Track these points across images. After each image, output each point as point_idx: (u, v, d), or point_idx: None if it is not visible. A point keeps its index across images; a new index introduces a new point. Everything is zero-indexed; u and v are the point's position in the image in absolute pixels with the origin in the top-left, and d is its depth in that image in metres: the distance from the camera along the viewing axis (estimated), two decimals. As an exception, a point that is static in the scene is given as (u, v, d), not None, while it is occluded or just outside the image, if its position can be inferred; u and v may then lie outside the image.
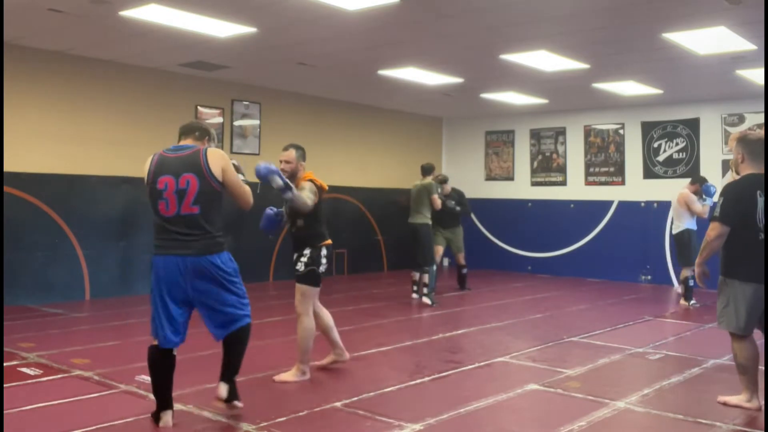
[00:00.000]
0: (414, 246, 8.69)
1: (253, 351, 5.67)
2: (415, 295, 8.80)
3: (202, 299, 3.82)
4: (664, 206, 11.05)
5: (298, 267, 4.83)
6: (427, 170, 8.97)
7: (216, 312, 3.86)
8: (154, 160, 3.87)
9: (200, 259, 3.74)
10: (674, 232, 8.82)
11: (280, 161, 4.89)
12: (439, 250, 9.49)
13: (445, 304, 8.64)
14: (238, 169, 4.02)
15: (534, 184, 12.64)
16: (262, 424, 3.88)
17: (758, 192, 4.16)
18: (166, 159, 3.84)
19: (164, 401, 3.84)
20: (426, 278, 8.51)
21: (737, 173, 4.39)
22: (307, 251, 4.85)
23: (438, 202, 8.70)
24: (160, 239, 3.79)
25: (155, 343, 3.81)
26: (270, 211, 4.83)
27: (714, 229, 4.23)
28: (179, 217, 3.74)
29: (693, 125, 10.94)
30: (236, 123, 10.06)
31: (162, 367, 3.82)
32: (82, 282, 8.41)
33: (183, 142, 4.04)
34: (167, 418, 3.82)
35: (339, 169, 11.62)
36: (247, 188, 3.97)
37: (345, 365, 5.31)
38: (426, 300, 8.43)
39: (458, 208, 9.41)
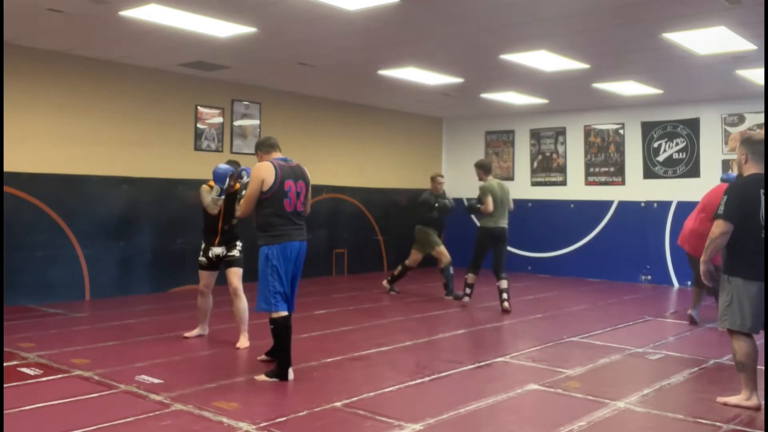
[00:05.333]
0: (489, 250, 8.27)
1: (253, 351, 5.70)
2: (466, 298, 8.49)
3: (296, 275, 4.93)
4: (664, 206, 11.07)
5: (234, 252, 6.02)
6: (491, 168, 8.58)
7: (294, 289, 4.98)
8: (277, 166, 4.83)
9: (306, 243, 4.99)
10: None
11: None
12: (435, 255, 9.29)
13: (445, 304, 8.64)
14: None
15: (534, 184, 12.64)
16: (262, 424, 3.88)
17: (761, 191, 4.19)
18: (284, 167, 4.87)
19: (290, 359, 4.84)
20: (505, 284, 8.11)
21: (741, 173, 4.43)
22: (239, 243, 6.08)
23: (512, 204, 8.47)
24: (283, 229, 4.80)
25: (280, 314, 4.77)
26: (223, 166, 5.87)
27: (718, 227, 4.26)
28: (296, 213, 4.89)
29: (693, 125, 10.94)
30: (236, 123, 10.06)
31: (289, 329, 4.83)
32: (82, 282, 8.41)
33: (280, 155, 5.03)
34: (292, 372, 4.84)
35: (339, 169, 11.62)
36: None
37: (345, 365, 5.32)
38: (507, 305, 8.01)
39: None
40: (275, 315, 4.80)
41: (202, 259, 6.08)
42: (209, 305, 6.23)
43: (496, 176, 12.94)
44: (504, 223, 8.29)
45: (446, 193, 9.69)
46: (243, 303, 5.89)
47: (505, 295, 8.09)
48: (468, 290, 8.52)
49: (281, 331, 4.81)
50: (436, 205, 9.18)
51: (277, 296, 4.77)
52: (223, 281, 6.15)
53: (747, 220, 4.20)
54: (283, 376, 4.80)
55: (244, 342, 5.87)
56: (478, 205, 8.27)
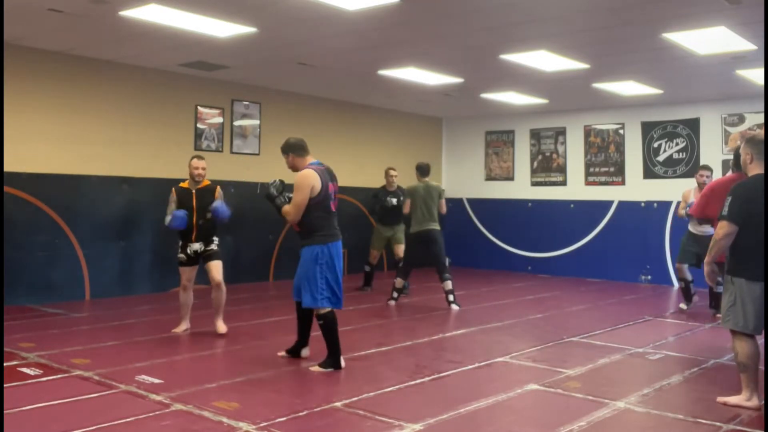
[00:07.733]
0: (424, 253, 8.32)
1: (252, 351, 5.71)
2: (392, 302, 8.50)
3: None
4: (664, 206, 11.06)
5: (212, 247, 6.34)
6: (426, 170, 8.60)
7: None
8: (318, 172, 5.06)
9: None
10: None
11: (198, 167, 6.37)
12: (376, 254, 9.57)
13: (445, 304, 8.63)
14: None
15: (534, 184, 12.64)
16: (262, 424, 3.88)
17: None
18: (323, 172, 5.11)
19: (339, 349, 5.18)
20: (450, 285, 8.25)
21: (746, 173, 4.42)
22: (215, 238, 6.43)
23: (445, 207, 8.53)
24: (330, 229, 5.12)
25: (326, 309, 5.06)
26: (181, 213, 6.20)
27: (722, 228, 4.24)
28: (335, 214, 5.23)
29: (693, 125, 10.94)
30: (236, 123, 10.06)
31: (336, 322, 5.14)
32: (82, 282, 8.40)
33: (311, 158, 5.27)
34: (343, 360, 5.23)
35: (339, 169, 11.44)
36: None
37: (345, 365, 5.32)
38: (455, 306, 8.19)
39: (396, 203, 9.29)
40: (322, 311, 5.10)
41: (181, 256, 6.39)
42: (190, 300, 6.52)
43: (496, 177, 13.03)
44: (428, 225, 8.32)
45: (399, 188, 9.55)
46: (223, 294, 6.36)
47: (451, 297, 8.30)
48: (395, 294, 8.57)
49: (329, 324, 5.12)
50: (383, 203, 9.35)
51: (324, 292, 5.05)
52: (204, 279, 6.48)
53: (751, 221, 4.18)
54: (336, 365, 5.14)
55: (222, 327, 6.36)
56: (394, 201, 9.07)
